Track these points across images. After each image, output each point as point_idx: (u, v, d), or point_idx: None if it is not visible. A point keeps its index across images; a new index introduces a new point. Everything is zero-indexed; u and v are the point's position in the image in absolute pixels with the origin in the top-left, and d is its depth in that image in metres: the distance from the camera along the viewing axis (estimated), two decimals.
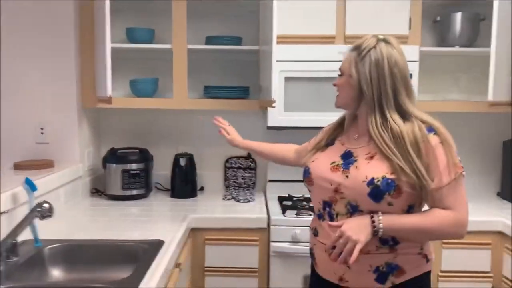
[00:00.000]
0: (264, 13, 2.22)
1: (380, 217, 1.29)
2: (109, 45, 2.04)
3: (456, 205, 1.31)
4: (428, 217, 1.32)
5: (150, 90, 2.50)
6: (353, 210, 1.35)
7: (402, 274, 1.35)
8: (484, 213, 2.25)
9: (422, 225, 1.31)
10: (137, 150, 2.51)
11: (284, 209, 2.24)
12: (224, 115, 2.65)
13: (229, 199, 2.46)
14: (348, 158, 1.41)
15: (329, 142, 1.53)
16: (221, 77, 2.65)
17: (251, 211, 2.23)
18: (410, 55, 2.29)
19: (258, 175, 2.73)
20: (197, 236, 2.13)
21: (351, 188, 1.35)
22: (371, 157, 1.36)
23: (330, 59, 2.27)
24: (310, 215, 2.16)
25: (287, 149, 1.91)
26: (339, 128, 1.55)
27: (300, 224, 2.11)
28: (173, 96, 2.39)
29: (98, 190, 2.53)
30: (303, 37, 2.33)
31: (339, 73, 1.46)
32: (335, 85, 1.48)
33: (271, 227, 2.12)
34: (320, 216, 1.46)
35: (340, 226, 1.30)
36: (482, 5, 2.51)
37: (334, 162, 1.43)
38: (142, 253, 1.62)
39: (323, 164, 1.45)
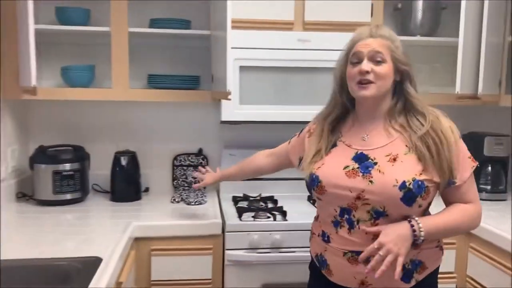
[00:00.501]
0: None
1: (420, 224, 1.27)
2: (32, 26, 1.73)
3: (475, 198, 1.39)
4: (458, 214, 1.35)
5: (85, 79, 2.20)
6: (378, 215, 1.29)
7: (424, 270, 1.36)
8: None
9: (455, 223, 1.34)
10: (70, 148, 2.21)
11: (240, 211, 2.04)
12: (171, 108, 2.43)
13: (178, 202, 2.22)
14: (363, 161, 1.33)
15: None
16: (167, 65, 2.39)
17: (203, 216, 2.00)
18: None
19: None
20: (141, 247, 1.88)
21: (378, 194, 1.28)
22: (394, 159, 1.31)
23: (289, 47, 2.11)
24: (269, 217, 1.99)
25: (258, 158, 1.80)
26: (337, 126, 1.45)
27: (258, 229, 1.92)
28: (112, 86, 2.12)
29: (25, 195, 2.20)
30: (259, 22, 2.11)
31: (379, 59, 1.33)
32: (376, 74, 1.32)
33: (226, 233, 1.91)
34: (336, 224, 1.36)
35: (379, 232, 1.26)
36: None
37: (347, 166, 1.34)
38: (76, 274, 1.37)
39: (335, 169, 1.35)
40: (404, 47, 1.38)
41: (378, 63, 1.32)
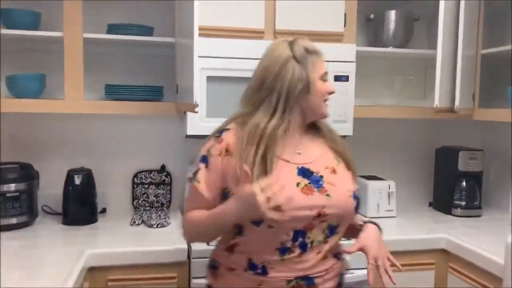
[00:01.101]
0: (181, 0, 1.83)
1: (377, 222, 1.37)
2: None
3: None
4: None
5: (34, 89, 1.99)
6: (331, 233, 1.28)
7: None
8: (423, 228, 2.07)
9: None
10: (16, 166, 1.98)
11: None
12: (130, 121, 2.24)
13: (138, 224, 2.02)
14: (309, 175, 1.28)
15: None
16: (127, 74, 2.21)
17: (166, 241, 1.81)
18: (346, 55, 2.06)
19: (173, 191, 2.32)
20: (97, 278, 1.67)
21: (337, 207, 1.26)
22: (334, 171, 1.32)
23: (259, 57, 1.97)
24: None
25: None
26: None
27: None
28: (64, 97, 1.92)
29: None
30: (228, 30, 1.97)
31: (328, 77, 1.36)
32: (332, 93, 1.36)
33: (192, 260, 1.73)
34: (283, 250, 1.24)
35: (361, 249, 1.27)
36: (415, 4, 2.36)
37: (299, 183, 1.26)
38: None
39: (289, 189, 1.21)
40: None
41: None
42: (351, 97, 2.07)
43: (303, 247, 1.24)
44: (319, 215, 1.23)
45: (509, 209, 2.30)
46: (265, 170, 1.20)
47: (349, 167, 1.36)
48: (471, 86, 2.13)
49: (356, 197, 1.32)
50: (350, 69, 2.06)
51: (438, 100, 1.93)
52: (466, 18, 2.01)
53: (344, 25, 2.11)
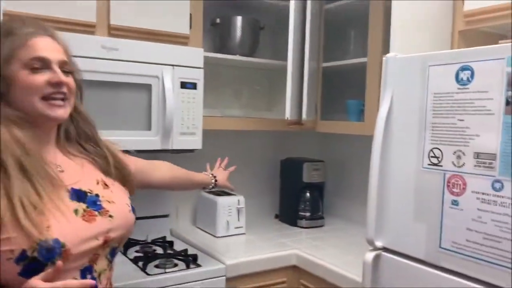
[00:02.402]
0: None
1: None
2: None
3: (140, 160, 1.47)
4: None
5: None
6: (112, 255, 1.09)
7: None
8: (274, 244, 1.99)
9: None
10: None
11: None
12: None
13: None
14: (84, 197, 1.04)
15: None
16: None
17: None
18: (193, 60, 1.86)
19: None
20: None
21: (122, 226, 1.08)
22: (106, 184, 1.12)
23: (90, 55, 1.64)
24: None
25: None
26: None
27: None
28: None
29: None
30: (52, 20, 1.56)
31: (67, 69, 1.06)
32: (70, 88, 1.05)
33: None
34: None
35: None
36: (259, 12, 2.29)
37: (76, 210, 1.00)
38: None
39: (68, 220, 0.96)
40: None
41: (66, 74, 1.05)
42: (199, 107, 1.87)
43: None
44: (105, 242, 1.03)
45: (349, 218, 2.39)
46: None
47: (123, 178, 1.18)
48: (313, 98, 2.14)
49: (133, 210, 1.15)
50: (197, 76, 1.86)
51: (289, 113, 1.86)
52: (311, 31, 2.01)
53: (190, 27, 1.90)
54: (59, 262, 0.89)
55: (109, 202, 1.08)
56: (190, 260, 1.71)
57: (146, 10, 1.80)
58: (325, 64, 2.15)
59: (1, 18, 1.24)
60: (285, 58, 1.98)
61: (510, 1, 1.45)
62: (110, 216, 1.06)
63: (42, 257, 0.91)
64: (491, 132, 1.07)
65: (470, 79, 1.12)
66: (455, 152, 1.15)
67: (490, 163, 1.07)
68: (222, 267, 1.72)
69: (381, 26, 1.80)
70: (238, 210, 2.11)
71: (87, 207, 1.03)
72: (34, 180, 0.94)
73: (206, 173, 1.73)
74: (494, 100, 1.07)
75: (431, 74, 1.22)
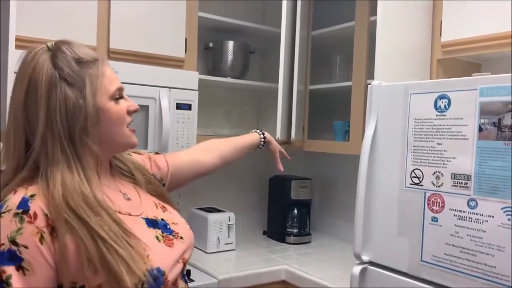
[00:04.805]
0: None
1: None
2: None
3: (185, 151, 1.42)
4: None
5: None
6: (184, 276, 1.05)
7: None
8: (263, 260, 2.06)
9: None
10: None
11: None
12: None
13: None
14: (155, 222, 1.01)
15: None
16: None
17: None
18: (189, 82, 1.95)
19: None
20: None
21: (191, 247, 1.06)
22: (162, 206, 1.09)
23: None
24: None
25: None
26: None
27: None
28: None
29: None
30: None
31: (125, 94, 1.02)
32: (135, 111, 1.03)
33: None
34: None
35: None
36: (250, 36, 2.41)
37: (157, 237, 0.98)
38: None
39: (157, 248, 0.95)
40: None
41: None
42: (193, 127, 1.96)
43: None
44: (184, 264, 1.02)
45: (335, 234, 2.48)
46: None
47: (166, 197, 1.13)
48: (301, 119, 2.25)
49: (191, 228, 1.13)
50: (192, 97, 1.96)
51: (280, 133, 1.96)
52: (300, 55, 2.13)
53: (185, 51, 2.00)
54: None
55: (174, 224, 1.05)
56: (184, 275, 1.77)
57: (145, 35, 1.89)
58: (312, 87, 2.27)
59: (13, 43, 1.31)
60: (273, 80, 2.09)
61: (482, 34, 1.58)
62: (181, 237, 1.04)
63: (153, 282, 0.88)
64: (466, 155, 1.18)
65: (447, 106, 1.24)
66: (434, 173, 1.26)
67: (466, 183, 1.18)
68: (214, 281, 1.79)
69: (365, 52, 1.92)
70: (229, 226, 2.19)
71: (162, 232, 1.00)
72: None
73: (253, 131, 1.59)
74: (468, 127, 1.18)
75: (412, 101, 1.33)
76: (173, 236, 1.02)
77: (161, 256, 0.94)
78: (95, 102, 0.92)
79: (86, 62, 0.92)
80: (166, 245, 0.98)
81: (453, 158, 1.22)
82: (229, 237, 2.19)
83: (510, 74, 1.12)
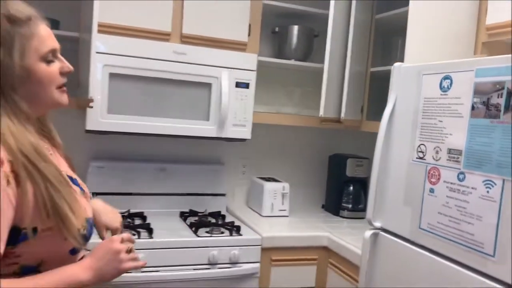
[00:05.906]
0: None
1: None
2: None
3: None
4: None
5: None
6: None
7: None
8: (311, 227, 2.26)
9: None
10: None
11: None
12: None
13: None
14: (74, 181, 1.08)
15: None
16: None
17: None
18: (248, 63, 2.21)
19: None
20: None
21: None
22: (73, 169, 1.14)
23: (164, 58, 2.07)
24: (133, 234, 1.89)
25: None
26: None
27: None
28: None
29: None
30: (134, 30, 2.03)
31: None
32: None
33: None
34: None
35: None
36: (317, 21, 2.56)
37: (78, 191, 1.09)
38: None
39: (80, 197, 1.06)
40: None
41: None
42: (250, 103, 2.21)
43: None
44: None
45: None
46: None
47: (73, 166, 1.16)
48: (359, 99, 2.37)
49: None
50: (250, 77, 2.21)
51: (323, 110, 2.13)
52: (356, 38, 2.25)
53: (249, 35, 2.25)
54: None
55: (83, 185, 1.13)
56: (234, 230, 2.06)
57: (213, 21, 2.17)
58: (373, 69, 2.36)
59: (96, 28, 1.66)
60: (336, 62, 2.23)
61: None
62: (90, 198, 1.17)
63: (88, 234, 1.01)
64: (460, 132, 1.26)
65: (449, 86, 1.32)
66: (434, 148, 1.35)
67: (458, 158, 1.27)
68: (258, 237, 2.04)
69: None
70: (283, 195, 2.42)
71: (80, 189, 1.10)
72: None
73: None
74: (464, 105, 1.26)
75: (424, 81, 1.43)
76: (84, 194, 1.10)
77: (87, 208, 1.05)
78: (22, 63, 0.92)
79: (18, 21, 0.92)
80: (86, 199, 1.10)
81: (449, 134, 1.30)
82: (283, 204, 2.42)
83: (505, 56, 1.17)
